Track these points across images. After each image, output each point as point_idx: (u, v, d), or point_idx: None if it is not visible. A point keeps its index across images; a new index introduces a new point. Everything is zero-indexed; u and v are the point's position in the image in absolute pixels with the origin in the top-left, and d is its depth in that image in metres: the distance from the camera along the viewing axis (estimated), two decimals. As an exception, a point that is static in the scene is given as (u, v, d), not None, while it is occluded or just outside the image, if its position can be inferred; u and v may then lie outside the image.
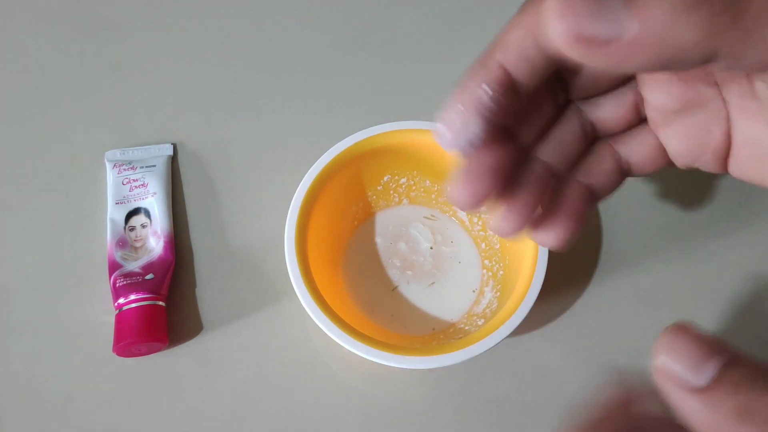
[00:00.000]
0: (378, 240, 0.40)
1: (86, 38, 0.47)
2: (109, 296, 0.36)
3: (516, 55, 0.18)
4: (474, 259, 0.39)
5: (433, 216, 0.41)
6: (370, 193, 0.39)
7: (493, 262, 0.38)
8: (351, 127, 0.37)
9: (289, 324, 0.37)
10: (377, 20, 0.49)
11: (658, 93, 0.21)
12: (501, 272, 0.37)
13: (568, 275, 0.39)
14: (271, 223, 0.39)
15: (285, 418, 0.35)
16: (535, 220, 0.22)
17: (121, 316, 0.35)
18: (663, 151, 0.22)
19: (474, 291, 0.38)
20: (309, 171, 0.35)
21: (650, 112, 0.21)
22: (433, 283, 0.39)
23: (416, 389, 0.36)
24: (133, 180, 0.40)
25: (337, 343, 0.31)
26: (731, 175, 0.22)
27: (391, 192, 0.40)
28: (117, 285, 0.36)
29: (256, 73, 0.46)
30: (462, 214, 0.40)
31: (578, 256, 0.39)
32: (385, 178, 0.39)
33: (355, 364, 0.36)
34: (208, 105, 0.45)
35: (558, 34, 0.15)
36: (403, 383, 0.36)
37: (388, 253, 0.39)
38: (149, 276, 0.36)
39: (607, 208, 0.41)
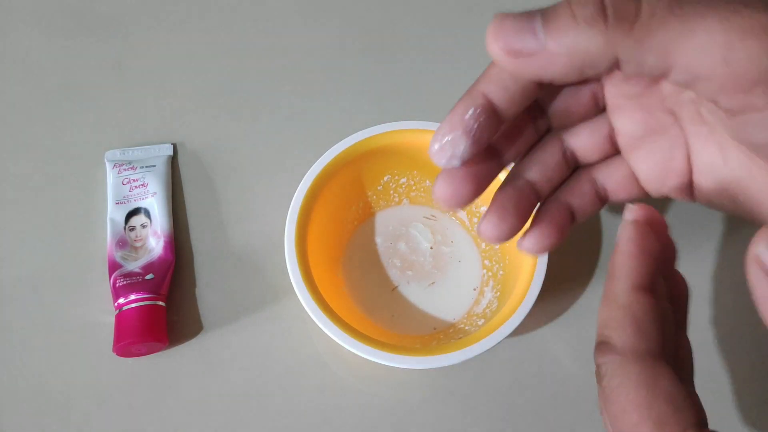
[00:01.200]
0: (378, 240, 0.40)
1: (86, 38, 0.47)
2: (109, 296, 0.36)
3: (496, 85, 0.22)
4: (474, 259, 0.39)
5: (433, 216, 0.41)
6: (370, 193, 0.39)
7: (493, 262, 0.38)
8: (351, 127, 0.37)
9: (289, 324, 0.37)
10: (377, 21, 0.49)
11: (623, 120, 0.24)
12: (501, 272, 0.37)
13: (568, 275, 0.39)
14: (271, 223, 0.39)
15: (285, 418, 0.35)
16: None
17: (121, 316, 0.35)
18: (635, 178, 0.25)
19: (475, 289, 0.38)
20: (309, 171, 0.35)
21: (620, 140, 0.24)
22: (433, 283, 0.39)
23: (416, 389, 0.36)
24: (133, 180, 0.40)
25: (337, 343, 0.31)
26: (698, 201, 0.24)
27: (391, 192, 0.40)
28: (117, 285, 0.36)
29: (256, 73, 0.46)
30: (462, 214, 0.40)
31: (578, 256, 0.39)
32: (385, 178, 0.39)
33: (355, 364, 0.36)
34: (208, 105, 0.45)
35: (495, 51, 0.20)
36: (403, 383, 0.36)
37: (388, 253, 0.39)
38: (149, 276, 0.36)
39: (607, 208, 0.41)
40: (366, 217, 0.40)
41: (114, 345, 0.34)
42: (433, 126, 0.36)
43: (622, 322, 0.20)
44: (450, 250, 0.39)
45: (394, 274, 0.39)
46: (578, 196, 0.25)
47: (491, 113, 0.22)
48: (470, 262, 0.39)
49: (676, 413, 0.18)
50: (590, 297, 0.38)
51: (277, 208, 0.37)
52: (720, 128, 0.21)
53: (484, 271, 0.39)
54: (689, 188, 0.23)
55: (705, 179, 0.23)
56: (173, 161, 0.42)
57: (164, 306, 0.36)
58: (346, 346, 0.30)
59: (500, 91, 0.22)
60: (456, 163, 0.22)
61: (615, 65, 0.19)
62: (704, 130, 0.22)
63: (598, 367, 0.20)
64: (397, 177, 0.39)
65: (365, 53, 0.47)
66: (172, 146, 0.43)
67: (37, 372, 0.36)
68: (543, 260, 0.33)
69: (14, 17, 0.48)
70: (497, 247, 0.38)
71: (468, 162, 0.22)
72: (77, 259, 0.39)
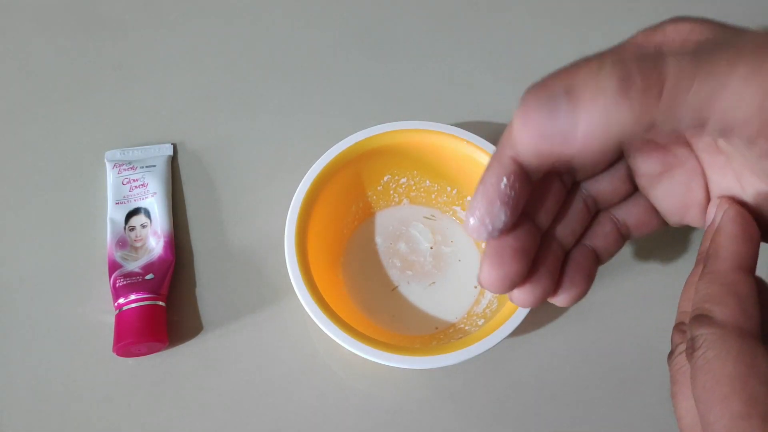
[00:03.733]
0: (378, 240, 0.40)
1: (87, 38, 0.47)
2: (109, 296, 0.36)
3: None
4: (474, 259, 0.39)
5: (433, 216, 0.41)
6: (370, 193, 0.39)
7: (493, 262, 0.38)
8: (351, 127, 0.37)
9: (289, 324, 0.37)
10: (377, 21, 0.49)
11: (641, 161, 0.23)
12: (501, 272, 0.37)
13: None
14: (271, 223, 0.39)
15: (285, 418, 0.35)
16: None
17: (121, 316, 0.35)
18: (655, 212, 0.25)
19: (475, 287, 0.38)
20: (309, 171, 0.35)
21: (639, 180, 0.24)
22: (433, 283, 0.39)
23: (416, 389, 0.36)
24: (133, 180, 0.40)
25: (337, 343, 0.31)
26: None
27: (391, 192, 0.40)
28: (117, 285, 0.36)
29: (256, 73, 0.46)
30: (462, 214, 0.40)
31: (578, 256, 0.39)
32: (385, 178, 0.39)
33: (355, 364, 0.36)
34: (208, 105, 0.45)
35: (525, 141, 0.19)
36: (403, 383, 0.36)
37: (388, 253, 0.39)
38: (149, 276, 0.36)
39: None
40: (366, 217, 0.40)
41: (114, 345, 0.34)
42: (433, 126, 0.36)
43: (726, 298, 0.20)
44: (450, 250, 0.39)
45: (394, 274, 0.39)
46: (601, 237, 0.25)
47: (524, 178, 0.21)
48: (470, 262, 0.39)
49: None
50: (590, 297, 0.38)
51: (277, 208, 0.37)
52: (739, 158, 0.21)
53: (484, 271, 0.39)
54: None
55: None
56: (173, 161, 0.42)
57: (164, 306, 0.36)
58: (346, 346, 0.30)
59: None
60: (496, 235, 0.21)
61: (651, 129, 0.18)
62: (721, 159, 0.22)
63: (693, 339, 0.20)
64: (397, 177, 0.39)
65: (365, 53, 0.47)
66: (172, 146, 0.43)
67: (37, 372, 0.36)
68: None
69: (14, 17, 0.48)
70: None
71: (506, 233, 0.22)
72: (77, 259, 0.39)
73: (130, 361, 0.36)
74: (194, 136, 0.43)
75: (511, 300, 0.23)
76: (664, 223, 0.25)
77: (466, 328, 0.36)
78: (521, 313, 0.31)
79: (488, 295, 0.37)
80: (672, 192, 0.23)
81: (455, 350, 0.30)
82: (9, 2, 0.49)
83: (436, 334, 0.37)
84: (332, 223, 0.37)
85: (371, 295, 0.38)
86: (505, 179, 0.21)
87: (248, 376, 0.36)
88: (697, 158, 0.23)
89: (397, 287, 0.38)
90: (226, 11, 0.49)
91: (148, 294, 0.35)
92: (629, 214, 0.25)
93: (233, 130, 0.44)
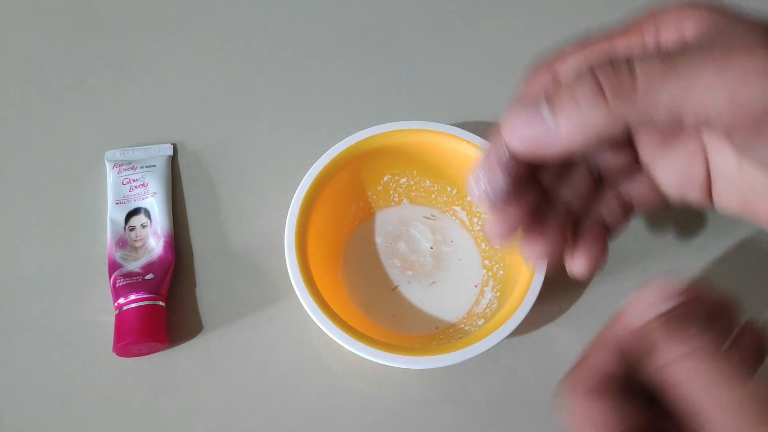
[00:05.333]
0: (378, 240, 0.40)
1: (86, 38, 0.47)
2: (109, 296, 0.36)
3: None
4: (474, 259, 0.39)
5: (433, 216, 0.41)
6: (370, 193, 0.39)
7: (493, 262, 0.38)
8: (351, 127, 0.37)
9: (289, 324, 0.37)
10: (377, 21, 0.49)
11: (645, 135, 0.25)
12: (501, 272, 0.37)
13: (568, 275, 0.39)
14: (271, 223, 0.39)
15: (285, 418, 0.35)
16: (565, 253, 0.27)
17: (121, 316, 0.35)
18: (656, 188, 0.26)
19: (476, 286, 0.38)
20: (309, 171, 0.35)
21: (642, 154, 0.26)
22: (433, 283, 0.39)
23: (416, 389, 0.36)
24: (133, 180, 0.40)
25: (337, 343, 0.31)
26: (715, 207, 0.25)
27: (391, 192, 0.40)
28: (117, 285, 0.36)
29: (256, 73, 0.46)
30: (462, 214, 0.40)
31: (578, 256, 0.39)
32: (385, 178, 0.39)
33: (355, 364, 0.36)
34: (208, 105, 0.45)
35: (514, 144, 0.21)
36: (403, 383, 0.36)
37: (388, 253, 0.39)
38: (149, 276, 0.36)
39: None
40: (366, 217, 0.40)
41: (114, 345, 0.34)
42: (433, 126, 0.36)
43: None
44: (450, 250, 0.39)
45: (394, 274, 0.39)
46: (607, 209, 0.27)
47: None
48: (470, 262, 0.39)
49: None
50: (590, 297, 0.38)
51: (277, 208, 0.37)
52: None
53: (484, 270, 0.39)
54: (708, 195, 0.25)
55: (722, 187, 0.24)
56: (173, 161, 0.42)
57: (164, 306, 0.36)
58: (346, 346, 0.30)
59: None
60: (493, 197, 0.23)
61: (628, 128, 0.20)
62: (722, 141, 0.23)
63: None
64: (397, 177, 0.39)
65: (365, 53, 0.47)
66: (172, 146, 0.43)
67: (37, 372, 0.36)
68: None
69: (14, 17, 0.48)
70: (498, 246, 0.38)
71: (506, 196, 0.23)
72: (77, 259, 0.39)
73: (130, 361, 0.36)
74: (194, 136, 0.43)
75: (523, 255, 0.25)
76: (664, 200, 0.26)
77: (466, 328, 0.36)
78: (521, 313, 0.31)
79: (488, 294, 0.37)
80: (673, 166, 0.25)
81: (455, 350, 0.30)
82: (9, 2, 0.49)
83: (436, 334, 0.37)
84: (332, 223, 0.37)
85: (371, 295, 0.38)
86: (506, 148, 0.22)
87: (248, 376, 0.36)
88: (699, 138, 0.24)
89: (397, 287, 0.38)
90: (226, 11, 0.49)
91: (148, 294, 0.35)
92: (632, 189, 0.26)
93: (233, 130, 0.44)
